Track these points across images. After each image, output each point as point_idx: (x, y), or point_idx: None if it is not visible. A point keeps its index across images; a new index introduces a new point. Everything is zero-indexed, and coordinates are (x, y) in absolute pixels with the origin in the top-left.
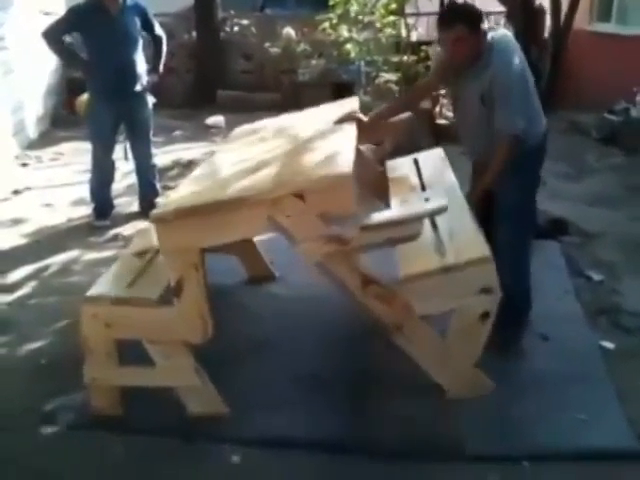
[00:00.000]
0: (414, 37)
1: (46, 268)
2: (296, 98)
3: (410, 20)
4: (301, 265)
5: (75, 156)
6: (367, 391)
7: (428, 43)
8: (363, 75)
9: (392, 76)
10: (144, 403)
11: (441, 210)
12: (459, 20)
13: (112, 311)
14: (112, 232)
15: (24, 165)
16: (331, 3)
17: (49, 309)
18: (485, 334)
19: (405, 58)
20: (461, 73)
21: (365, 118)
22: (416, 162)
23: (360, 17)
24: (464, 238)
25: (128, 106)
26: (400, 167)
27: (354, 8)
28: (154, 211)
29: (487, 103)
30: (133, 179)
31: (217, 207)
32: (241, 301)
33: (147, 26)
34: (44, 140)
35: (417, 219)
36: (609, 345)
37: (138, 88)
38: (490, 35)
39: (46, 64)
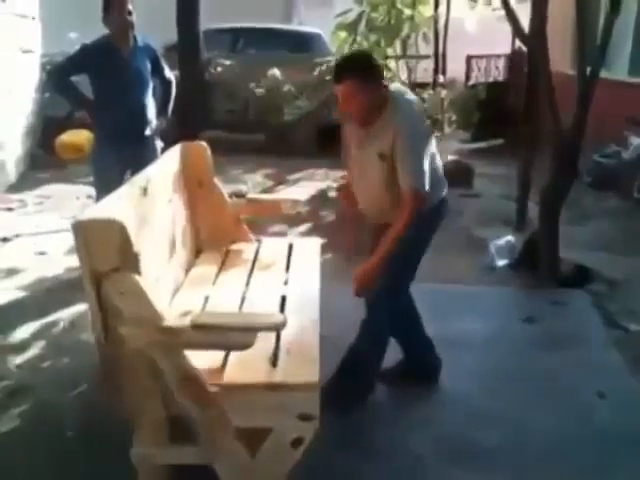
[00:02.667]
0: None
1: (53, 325)
2: (281, 139)
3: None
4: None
5: (61, 200)
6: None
7: (422, 85)
8: None
9: None
10: None
11: (279, 327)
12: (350, 73)
13: None
14: None
15: (8, 210)
16: (335, 46)
17: (65, 372)
18: (294, 461)
19: None
20: (360, 129)
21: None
22: (290, 248)
23: None
24: (300, 354)
25: (136, 151)
26: (273, 248)
27: None
28: None
29: (387, 161)
30: None
31: None
32: None
33: (157, 68)
34: (25, 183)
35: (253, 330)
36: None
37: (148, 132)
38: (393, 91)
39: (25, 104)
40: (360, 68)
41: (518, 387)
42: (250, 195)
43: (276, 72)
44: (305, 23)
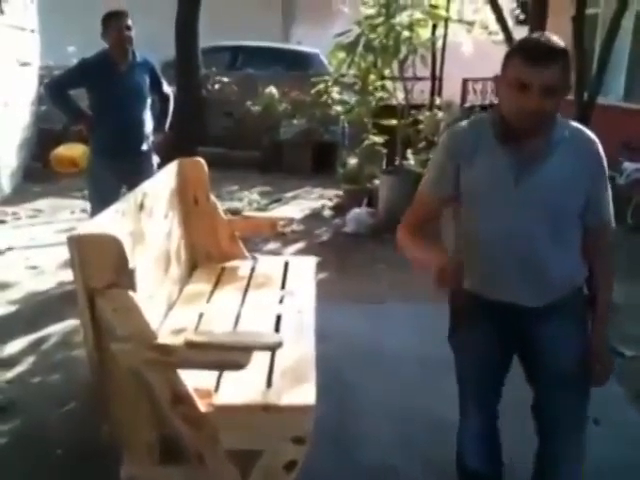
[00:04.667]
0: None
1: (44, 340)
2: (277, 157)
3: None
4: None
5: (54, 214)
6: None
7: (418, 107)
8: (347, 136)
9: (380, 139)
10: None
11: (274, 347)
12: (563, 56)
13: None
14: None
15: (2, 222)
16: (334, 67)
17: (55, 388)
18: None
19: (401, 121)
20: (512, 152)
21: None
22: (286, 266)
23: (356, 81)
24: (296, 375)
25: (133, 166)
26: (269, 266)
27: (352, 71)
28: None
29: (577, 196)
30: None
31: None
32: None
33: (155, 83)
34: (19, 195)
35: (248, 350)
36: None
37: (144, 148)
38: None
39: (22, 116)
40: (567, 56)
41: (510, 411)
42: (246, 212)
43: (273, 90)
44: (303, 42)
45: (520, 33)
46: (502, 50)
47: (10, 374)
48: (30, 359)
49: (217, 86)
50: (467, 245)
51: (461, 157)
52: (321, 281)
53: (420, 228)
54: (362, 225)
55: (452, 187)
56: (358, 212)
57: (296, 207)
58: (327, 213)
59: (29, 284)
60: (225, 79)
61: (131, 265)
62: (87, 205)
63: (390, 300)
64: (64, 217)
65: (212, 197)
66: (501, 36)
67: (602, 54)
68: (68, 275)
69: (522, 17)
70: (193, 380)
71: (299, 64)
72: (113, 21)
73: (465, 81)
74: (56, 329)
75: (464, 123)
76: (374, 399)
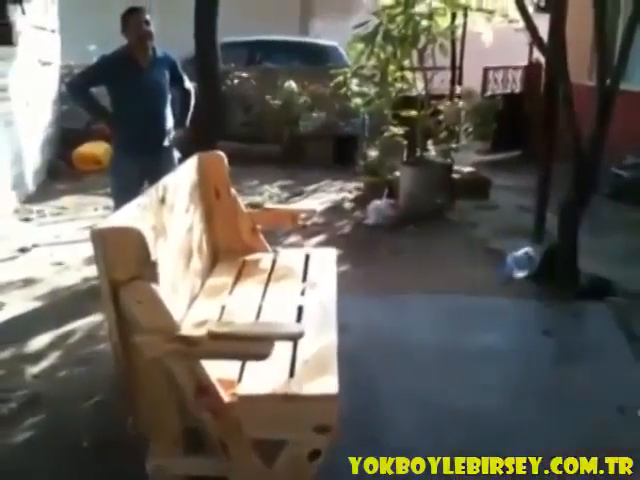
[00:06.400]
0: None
1: (69, 335)
2: (297, 151)
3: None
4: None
5: (78, 211)
6: None
7: (438, 97)
8: (367, 128)
9: (400, 130)
10: None
11: (296, 337)
12: None
13: None
14: None
15: (26, 220)
16: (353, 59)
17: (80, 382)
18: (311, 473)
19: (421, 112)
20: None
21: None
22: (307, 258)
23: (375, 72)
24: (318, 365)
25: (154, 161)
26: (290, 258)
27: (371, 63)
28: None
29: None
30: None
31: None
32: None
33: (176, 78)
34: (43, 193)
35: (270, 340)
36: None
37: (166, 143)
38: None
39: (44, 115)
40: None
41: (536, 402)
42: (267, 205)
43: (292, 84)
44: (322, 35)
45: (541, 20)
46: (522, 38)
47: (36, 368)
48: (56, 353)
49: (236, 81)
50: None
51: None
52: (342, 273)
53: None
54: (383, 217)
55: None
56: (379, 204)
57: (317, 200)
58: (348, 205)
59: (54, 280)
60: (244, 74)
61: (153, 258)
62: (110, 202)
63: (412, 291)
64: (88, 214)
65: (233, 190)
66: (522, 24)
67: (625, 39)
68: (92, 271)
69: (542, 4)
70: (216, 371)
71: (317, 57)
72: (132, 17)
73: (486, 70)
74: (81, 324)
75: None
76: (397, 389)
